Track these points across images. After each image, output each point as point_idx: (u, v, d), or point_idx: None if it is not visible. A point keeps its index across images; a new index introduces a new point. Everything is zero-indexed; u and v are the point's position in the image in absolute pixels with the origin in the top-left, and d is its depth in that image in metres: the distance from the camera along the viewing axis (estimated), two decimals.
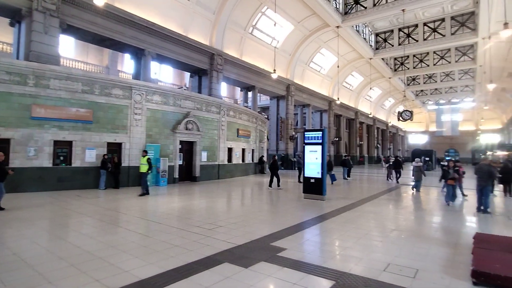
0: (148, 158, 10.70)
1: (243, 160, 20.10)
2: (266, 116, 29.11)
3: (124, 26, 14.97)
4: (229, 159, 18.49)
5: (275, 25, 21.35)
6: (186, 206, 8.83)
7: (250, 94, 25.49)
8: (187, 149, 15.62)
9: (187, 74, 28.55)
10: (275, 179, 13.45)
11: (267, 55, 23.50)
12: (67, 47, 22.60)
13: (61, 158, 11.27)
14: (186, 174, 15.61)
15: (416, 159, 13.35)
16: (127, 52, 17.47)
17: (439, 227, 6.88)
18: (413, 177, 13.25)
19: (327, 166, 12.45)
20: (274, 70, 18.29)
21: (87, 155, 11.74)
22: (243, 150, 20.11)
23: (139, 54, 16.39)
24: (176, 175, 14.72)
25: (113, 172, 12.11)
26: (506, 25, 12.08)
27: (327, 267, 4.07)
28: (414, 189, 12.65)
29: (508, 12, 17.36)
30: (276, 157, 14.62)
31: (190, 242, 5.14)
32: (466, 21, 25.86)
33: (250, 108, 23.47)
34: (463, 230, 6.47)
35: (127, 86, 12.88)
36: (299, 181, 15.57)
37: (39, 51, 12.03)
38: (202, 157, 16.20)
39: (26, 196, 9.57)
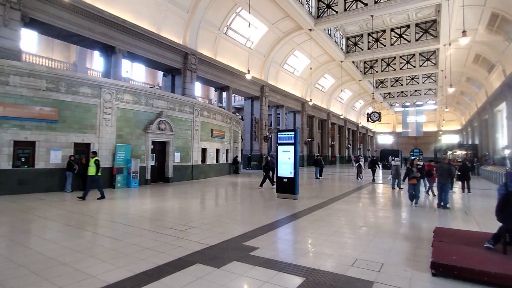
0: (96, 160, 9.90)
1: (217, 161, 19.99)
2: (241, 117, 29.15)
3: (93, 22, 14.38)
4: (203, 160, 18.32)
5: (249, 26, 21.44)
6: (158, 207, 8.65)
7: (224, 94, 25.39)
8: (160, 149, 15.29)
9: (160, 73, 27.95)
10: (269, 179, 14.28)
11: (242, 56, 23.53)
12: (30, 42, 21.30)
13: (23, 159, 10.62)
14: (159, 175, 15.27)
15: (395, 158, 14.15)
16: (96, 49, 16.77)
17: (404, 222, 7.26)
18: (391, 175, 13.92)
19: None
20: (249, 71, 18.36)
21: (52, 156, 11.15)
22: (217, 150, 20.00)
23: (109, 52, 15.80)
24: (148, 176, 14.37)
25: (80, 174, 11.58)
26: (464, 33, 12.96)
27: (298, 264, 4.18)
28: (397, 187, 13.47)
29: (466, 21, 18.61)
30: (269, 158, 14.83)
31: (162, 244, 5.06)
32: (429, 28, 27.42)
33: (224, 109, 23.38)
34: (425, 225, 6.86)
35: (96, 84, 12.38)
36: (272, 181, 15.70)
37: None
38: (175, 158, 15.92)
39: None
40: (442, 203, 8.83)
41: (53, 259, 4.29)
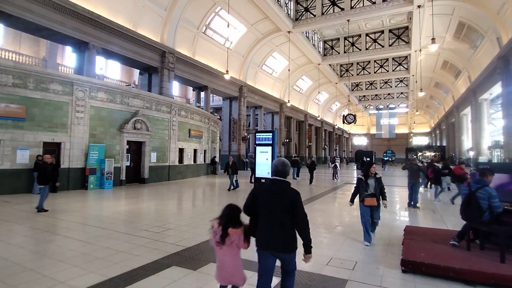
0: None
1: (194, 161, 19.77)
2: (219, 117, 28.99)
3: (65, 16, 13.75)
4: (180, 160, 18.05)
5: (228, 26, 21.40)
6: (133, 209, 8.43)
7: (202, 94, 25.14)
8: (135, 149, 14.91)
9: (136, 71, 27.21)
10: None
11: (220, 56, 23.42)
12: None
13: None
14: (134, 175, 14.88)
15: (336, 158, 14.73)
16: (68, 45, 16.08)
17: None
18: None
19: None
20: (227, 71, 18.31)
21: (19, 156, 10.56)
22: (195, 150, 19.78)
23: (82, 48, 15.18)
24: (123, 177, 13.96)
25: (50, 175, 11.03)
26: (433, 40, 13.64)
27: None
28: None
29: (435, 29, 19.60)
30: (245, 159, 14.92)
31: (137, 247, 4.94)
32: (401, 34, 28.61)
33: (202, 109, 23.15)
34: (397, 224, 7.15)
35: (67, 81, 11.87)
36: (251, 182, 15.78)
37: None
38: (151, 158, 15.57)
39: None
40: (412, 203, 9.25)
41: (19, 265, 4.08)
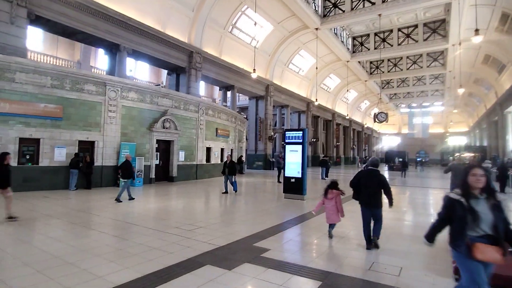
0: None
1: (221, 160, 19.81)
2: (245, 116, 28.99)
3: (98, 19, 14.28)
4: (208, 159, 18.17)
5: (255, 24, 21.31)
6: (164, 207, 8.50)
7: (229, 93, 25.24)
8: (164, 148, 15.17)
9: (164, 72, 27.85)
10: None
11: (247, 55, 23.37)
12: (35, 40, 21.30)
13: (27, 157, 10.53)
14: (163, 174, 15.15)
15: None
16: (100, 47, 16.72)
17: (418, 224, 6.98)
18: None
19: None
20: (254, 69, 18.19)
21: (57, 154, 11.05)
22: (222, 149, 19.85)
23: (113, 49, 15.70)
24: (153, 175, 14.24)
25: (85, 172, 11.49)
26: (476, 31, 12.67)
27: (312, 267, 3.99)
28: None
29: (479, 20, 18.27)
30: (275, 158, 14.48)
31: (169, 244, 4.89)
32: (437, 28, 27.04)
33: (229, 108, 23.23)
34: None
35: (100, 81, 12.28)
36: (279, 181, 15.55)
37: (4, 42, 11.19)
38: (179, 157, 15.78)
39: None
40: None
41: (58, 258, 4.14)
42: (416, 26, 27.92)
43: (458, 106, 48.64)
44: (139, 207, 8.39)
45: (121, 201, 8.86)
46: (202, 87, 37.66)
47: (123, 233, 5.66)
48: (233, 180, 11.47)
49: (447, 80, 35.97)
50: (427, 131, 52.30)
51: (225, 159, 20.17)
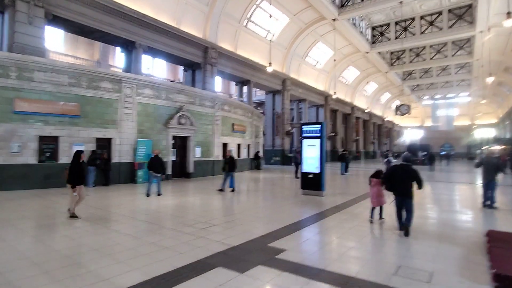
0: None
1: (238, 156, 19.66)
2: (262, 111, 28.68)
3: (114, 18, 14.35)
4: (224, 155, 18.01)
5: (270, 17, 20.87)
6: (179, 204, 8.39)
7: (245, 89, 24.98)
8: (181, 144, 15.14)
9: (180, 69, 27.94)
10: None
11: (263, 49, 22.98)
12: (56, 41, 21.84)
13: (47, 154, 10.72)
14: (180, 170, 15.14)
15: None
16: (117, 45, 16.86)
17: (447, 223, 6.47)
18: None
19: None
20: (270, 63, 17.82)
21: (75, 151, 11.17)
22: (239, 145, 19.67)
23: (130, 47, 15.78)
24: (170, 171, 14.25)
25: (103, 169, 11.60)
26: (509, 14, 11.73)
27: (331, 270, 3.68)
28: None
29: (509, 3, 17.03)
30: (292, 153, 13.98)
31: (181, 243, 4.71)
32: (463, 14, 25.51)
33: (245, 103, 22.99)
34: (471, 227, 6.13)
35: (116, 79, 12.32)
36: (296, 177, 15.20)
37: (23, 42, 11.41)
38: (196, 153, 15.73)
39: (8, 194, 9.03)
40: (488, 202, 7.94)
41: (68, 258, 4.05)
42: (440, 13, 26.43)
43: (486, 97, 45.98)
44: (154, 204, 8.31)
45: (149, 195, 9.31)
46: (218, 83, 37.64)
47: (136, 231, 5.54)
48: (231, 176, 10.75)
49: (474, 69, 34.01)
50: (452, 123, 50.11)
51: (243, 154, 20.18)
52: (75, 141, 11.14)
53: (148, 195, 9.32)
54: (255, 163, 22.07)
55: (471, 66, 34.96)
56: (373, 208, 6.37)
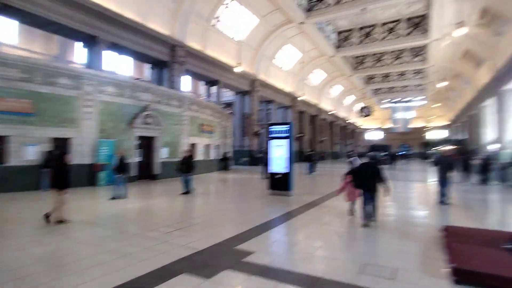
0: None
1: (207, 157, 19.36)
2: (231, 112, 28.52)
3: (73, 9, 13.42)
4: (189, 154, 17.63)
5: (239, 18, 20.83)
6: (143, 207, 8.02)
7: (214, 89, 24.68)
8: (146, 145, 14.56)
9: (147, 67, 26.94)
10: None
11: (232, 49, 22.86)
12: (9, 33, 20.02)
13: None
14: (145, 171, 14.55)
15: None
16: (78, 40, 15.81)
17: (406, 219, 6.80)
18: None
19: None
20: (239, 63, 17.76)
21: (28, 152, 10.31)
22: (207, 146, 19.37)
23: (91, 42, 14.85)
24: (134, 173, 13.63)
25: (58, 171, 10.77)
26: (459, 23, 12.67)
27: (300, 272, 3.67)
28: None
29: (456, 15, 18.45)
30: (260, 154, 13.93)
31: (143, 249, 4.46)
32: (419, 23, 27.27)
33: (214, 103, 22.69)
34: (429, 223, 6.47)
35: (75, 75, 11.54)
36: (264, 177, 15.23)
37: None
38: (162, 154, 15.22)
39: None
40: (443, 199, 8.47)
41: (11, 271, 3.65)
42: (399, 21, 28.06)
43: (439, 100, 49.70)
44: (116, 208, 7.86)
45: (116, 199, 8.85)
46: (186, 82, 36.81)
47: (94, 238, 5.18)
48: (187, 178, 10.12)
49: (429, 74, 36.54)
50: (409, 125, 53.50)
51: (212, 155, 19.85)
52: (28, 141, 10.26)
53: (113, 198, 8.88)
54: (224, 163, 21.86)
55: (426, 72, 37.48)
56: (351, 203, 6.89)
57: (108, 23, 14.81)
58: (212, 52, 21.68)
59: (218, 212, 7.48)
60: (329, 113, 43.27)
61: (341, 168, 26.01)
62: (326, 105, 43.51)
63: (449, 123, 57.23)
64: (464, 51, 28.58)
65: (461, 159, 14.63)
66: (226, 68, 23.16)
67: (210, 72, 22.13)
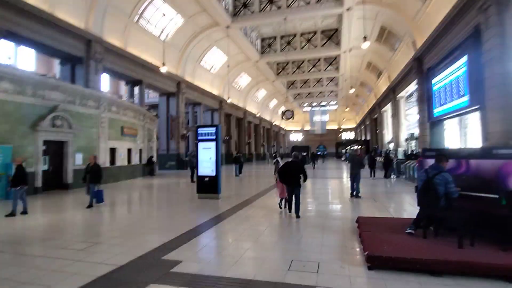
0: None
1: (129, 162, 17.97)
2: (155, 114, 27.10)
3: None
4: (112, 161, 16.18)
5: (163, 16, 19.99)
6: (49, 222, 6.97)
7: (136, 89, 23.07)
8: (56, 151, 12.77)
9: (57, 62, 23.68)
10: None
11: (156, 49, 21.76)
12: None
13: None
14: (55, 181, 12.74)
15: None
16: None
17: (327, 214, 7.36)
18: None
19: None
20: (164, 63, 16.99)
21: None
22: (129, 150, 17.99)
23: None
24: (39, 183, 11.80)
25: None
26: (364, 38, 14.48)
27: (230, 276, 3.65)
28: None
29: (361, 31, 21.07)
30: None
31: (50, 273, 3.85)
32: (332, 36, 30.31)
33: (137, 105, 21.20)
34: (345, 215, 7.16)
35: None
36: (192, 181, 14.89)
37: None
38: (76, 160, 13.54)
39: None
40: (354, 193, 9.56)
41: None
42: (315, 32, 30.71)
43: (349, 106, 56.08)
44: (13, 226, 6.67)
45: (15, 215, 7.59)
46: (105, 81, 33.74)
47: None
48: (95, 189, 8.87)
49: (340, 82, 40.87)
50: (325, 128, 59.04)
51: (135, 160, 18.44)
52: None
53: (10, 214, 7.51)
54: (148, 168, 20.61)
55: (338, 80, 41.81)
56: (282, 199, 7.78)
57: (3, 8, 12.57)
58: (134, 50, 20.29)
59: (142, 221, 6.99)
60: (255, 116, 44.64)
61: (267, 169, 27.07)
62: (252, 108, 44.78)
63: (356, 125, 65.05)
64: (367, 63, 32.84)
65: (368, 157, 16.85)
66: (150, 68, 21.94)
67: (132, 72, 20.66)
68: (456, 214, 4.20)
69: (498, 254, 3.71)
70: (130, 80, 21.99)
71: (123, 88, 33.27)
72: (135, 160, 18.71)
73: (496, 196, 4.04)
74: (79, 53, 16.25)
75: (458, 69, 13.86)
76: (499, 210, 4.05)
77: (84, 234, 5.75)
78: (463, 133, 25.21)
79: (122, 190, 13.08)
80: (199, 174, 10.03)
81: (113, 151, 16.22)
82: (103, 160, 15.19)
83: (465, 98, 13.24)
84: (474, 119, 15.52)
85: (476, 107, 12.54)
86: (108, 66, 18.26)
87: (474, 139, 15.75)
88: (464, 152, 5.76)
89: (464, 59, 13.16)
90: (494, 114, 10.75)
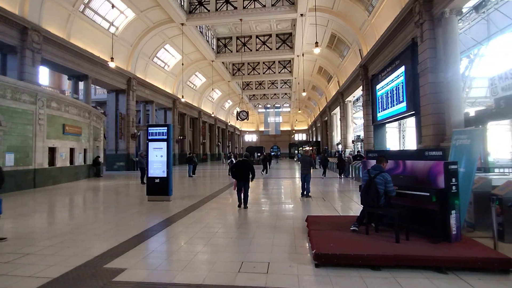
0: None
1: (71, 163, 16.62)
2: (103, 112, 25.41)
3: None
4: (52, 162, 14.83)
5: (113, 7, 18.82)
6: None
7: (81, 84, 21.34)
8: None
9: None
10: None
11: (104, 42, 20.43)
12: None
13: None
14: None
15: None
16: None
17: (278, 214, 7.53)
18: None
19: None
20: (112, 58, 16.01)
21: None
22: (72, 150, 16.65)
23: None
24: None
25: None
26: (316, 44, 15.16)
27: (179, 282, 3.53)
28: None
29: (313, 37, 22.02)
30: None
31: None
32: (286, 39, 31.18)
33: (81, 101, 19.63)
34: (295, 215, 7.39)
35: None
36: (142, 182, 14.23)
37: None
38: (6, 161, 12.13)
39: None
40: (305, 192, 9.91)
41: None
42: (270, 35, 31.33)
43: (301, 108, 58.24)
44: None
45: None
46: (45, 75, 30.89)
47: None
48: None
49: (293, 85, 42.27)
50: (279, 129, 60.66)
51: (78, 160, 16.98)
52: None
53: None
54: (94, 169, 19.24)
55: (291, 83, 43.15)
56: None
57: None
58: (79, 42, 18.82)
59: (84, 227, 6.47)
60: (210, 116, 44.18)
61: (221, 169, 26.91)
62: (207, 108, 44.21)
63: (308, 127, 67.84)
64: (318, 68, 34.40)
65: (319, 158, 17.73)
66: (97, 62, 20.53)
67: (76, 65, 19.12)
68: (393, 211, 4.57)
69: (429, 247, 4.10)
70: (74, 74, 20.30)
71: (67, 83, 30.76)
72: (78, 160, 17.36)
73: (428, 194, 4.46)
74: (11, 41, 14.62)
75: (397, 77, 15.16)
76: (430, 207, 4.50)
77: (10, 245, 5.15)
78: (402, 136, 27.67)
79: (63, 194, 12.02)
80: (150, 175, 9.65)
81: (52, 150, 14.89)
82: (40, 160, 13.84)
83: (403, 104, 14.54)
84: (411, 124, 17.12)
85: (412, 112, 13.84)
86: (48, 57, 16.69)
87: (411, 142, 17.37)
88: (401, 153, 6.29)
89: (402, 68, 14.45)
90: (427, 119, 11.94)
